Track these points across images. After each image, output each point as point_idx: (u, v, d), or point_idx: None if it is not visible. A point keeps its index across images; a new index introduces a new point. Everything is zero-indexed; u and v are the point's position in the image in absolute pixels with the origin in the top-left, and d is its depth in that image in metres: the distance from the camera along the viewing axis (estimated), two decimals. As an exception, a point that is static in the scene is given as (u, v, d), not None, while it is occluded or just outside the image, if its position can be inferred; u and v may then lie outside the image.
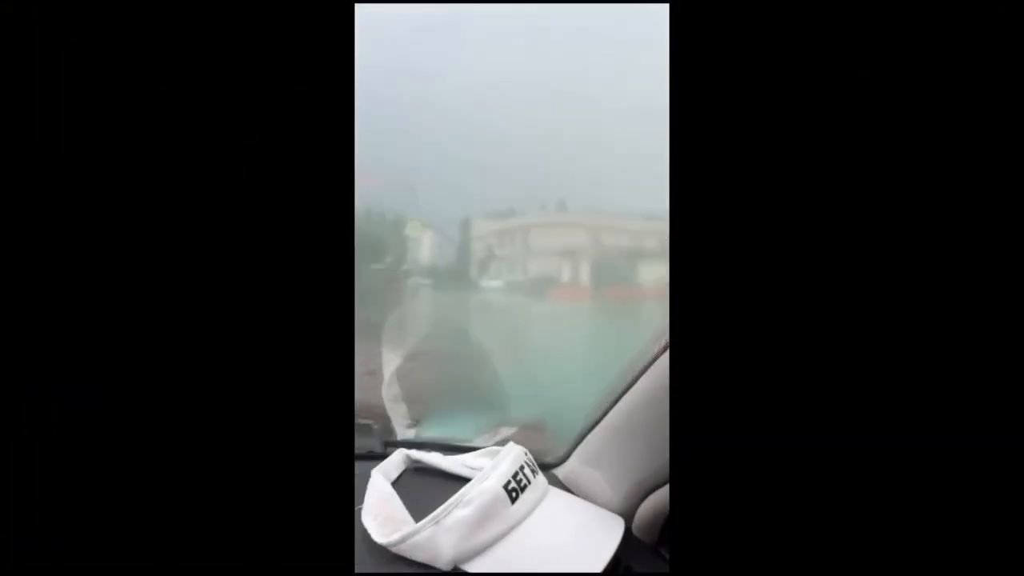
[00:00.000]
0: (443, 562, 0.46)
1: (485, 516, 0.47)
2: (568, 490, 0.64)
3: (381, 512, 0.53)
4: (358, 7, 0.37)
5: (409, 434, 0.79)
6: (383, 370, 0.81)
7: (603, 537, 0.48)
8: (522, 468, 0.53)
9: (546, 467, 0.71)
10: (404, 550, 0.47)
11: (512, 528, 0.48)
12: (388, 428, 0.83)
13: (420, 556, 0.47)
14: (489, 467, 0.52)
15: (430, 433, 0.78)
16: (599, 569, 0.45)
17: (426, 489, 0.59)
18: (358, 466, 0.68)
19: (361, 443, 0.74)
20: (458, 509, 0.47)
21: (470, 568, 0.46)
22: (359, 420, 0.98)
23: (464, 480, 0.61)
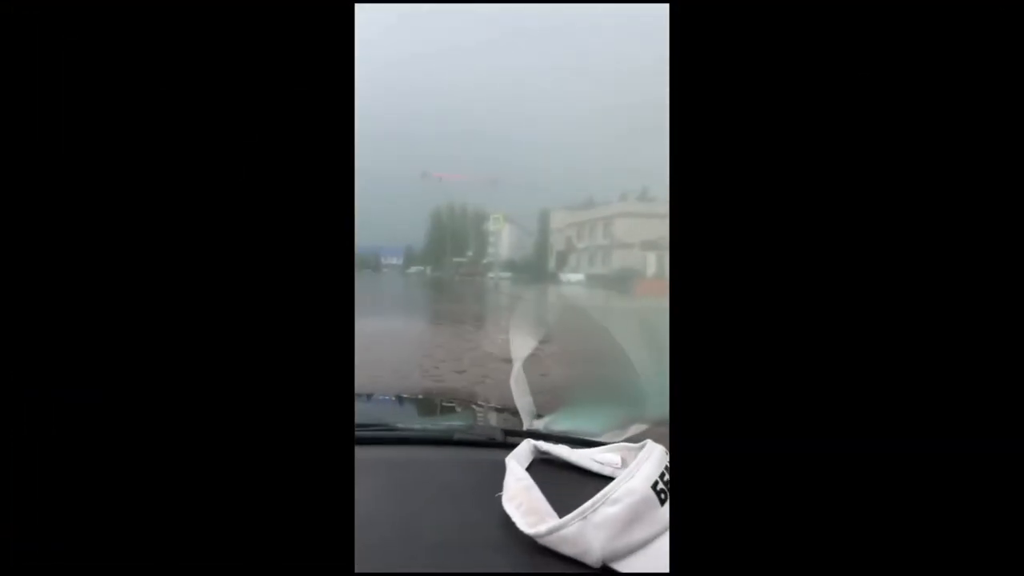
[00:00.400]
0: (593, 559, 0.46)
1: (635, 516, 0.47)
2: None
3: (524, 502, 0.53)
4: (358, 7, 0.37)
5: (532, 425, 0.78)
6: (515, 361, 0.79)
7: None
8: (668, 468, 0.52)
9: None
10: (551, 542, 0.48)
11: (664, 531, 0.48)
12: (505, 417, 0.85)
13: (567, 550, 0.47)
14: (632, 465, 0.52)
15: (558, 425, 0.77)
16: None
17: (558, 482, 0.59)
18: (480, 453, 0.69)
19: (482, 431, 0.76)
20: (605, 506, 0.47)
21: (621, 567, 0.46)
22: (444, 403, 1.02)
23: (594, 475, 0.62)
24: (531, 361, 0.82)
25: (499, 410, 0.91)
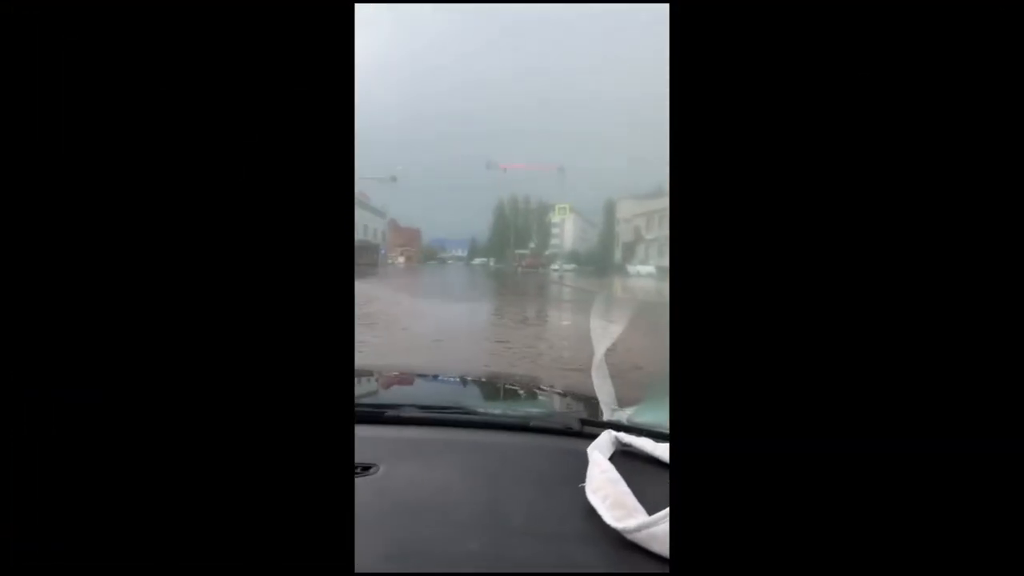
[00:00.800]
0: None
1: None
2: None
3: (610, 495, 0.52)
4: (359, 6, 0.37)
5: (612, 416, 0.77)
6: (596, 350, 0.78)
7: None
8: None
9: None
10: (640, 539, 0.47)
11: None
12: (583, 407, 0.84)
13: (657, 548, 0.46)
14: None
15: (641, 418, 0.76)
16: None
17: (641, 475, 0.58)
18: (556, 441, 0.68)
19: (559, 419, 0.75)
20: None
21: None
22: (513, 388, 1.01)
23: None
24: (613, 352, 0.79)
25: (562, 395, 0.91)
